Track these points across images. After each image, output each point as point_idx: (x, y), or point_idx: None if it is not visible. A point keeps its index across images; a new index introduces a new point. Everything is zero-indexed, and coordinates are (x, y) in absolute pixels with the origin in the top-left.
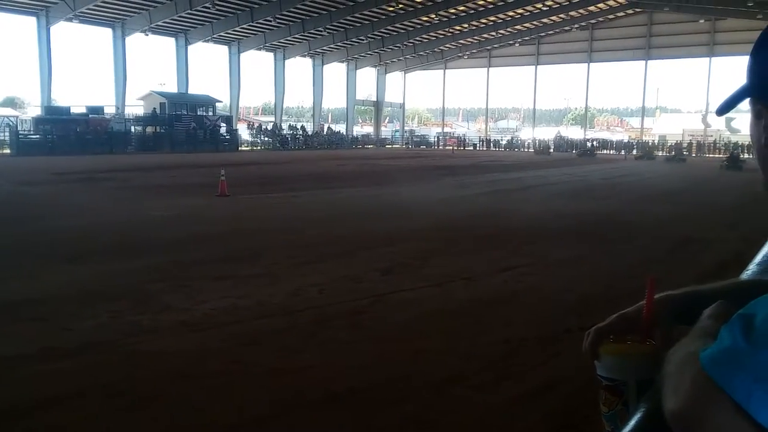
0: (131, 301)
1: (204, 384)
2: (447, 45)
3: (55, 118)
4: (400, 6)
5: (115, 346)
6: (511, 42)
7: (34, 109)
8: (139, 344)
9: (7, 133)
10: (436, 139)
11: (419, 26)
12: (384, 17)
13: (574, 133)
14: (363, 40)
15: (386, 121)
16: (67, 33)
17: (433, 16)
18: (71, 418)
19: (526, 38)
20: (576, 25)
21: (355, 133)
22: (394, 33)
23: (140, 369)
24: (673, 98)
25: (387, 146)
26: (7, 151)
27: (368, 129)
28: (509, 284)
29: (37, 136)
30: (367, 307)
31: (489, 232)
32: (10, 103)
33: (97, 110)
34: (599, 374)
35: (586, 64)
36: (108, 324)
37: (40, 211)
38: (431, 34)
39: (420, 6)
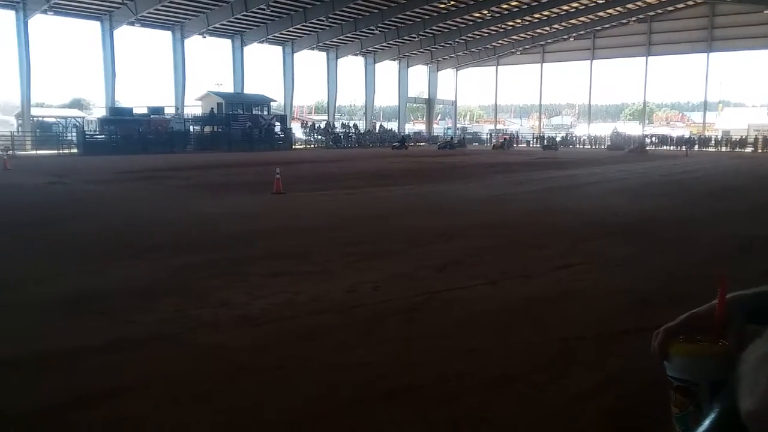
0: (192, 295)
1: (262, 378)
2: (499, 41)
3: (118, 119)
4: (452, 3)
5: (177, 339)
6: (565, 37)
7: (99, 111)
8: (201, 338)
9: (74, 134)
10: (488, 136)
11: (471, 23)
12: (435, 14)
13: (632, 128)
14: (414, 37)
15: (438, 118)
16: (129, 36)
17: (486, 12)
18: (137, 408)
19: (581, 32)
20: (634, 18)
21: (406, 131)
22: (446, 30)
23: (201, 362)
24: (737, 92)
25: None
26: (75, 150)
27: (420, 126)
28: (565, 282)
29: (102, 136)
30: (422, 304)
31: (544, 229)
32: (77, 104)
33: (158, 111)
34: (669, 375)
35: (645, 58)
36: (171, 318)
37: (104, 208)
38: (483, 30)
39: (472, 2)
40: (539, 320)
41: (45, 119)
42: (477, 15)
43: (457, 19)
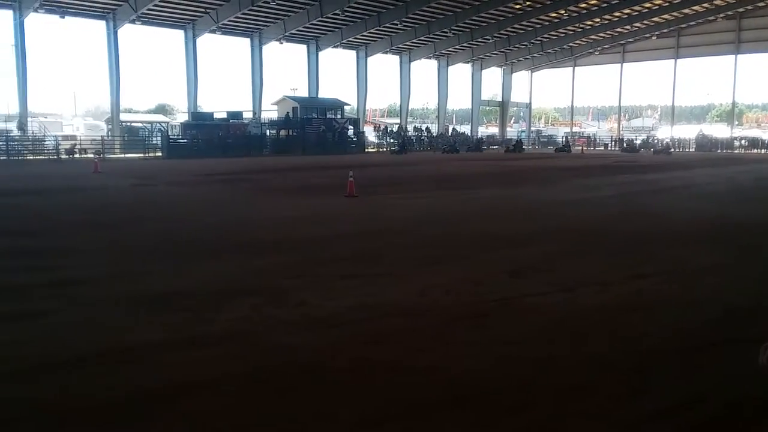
0: (268, 296)
1: (334, 378)
2: (577, 41)
3: (199, 124)
4: (528, 3)
5: (253, 337)
6: (647, 35)
7: (181, 115)
8: (276, 337)
9: (159, 138)
10: (564, 139)
11: (547, 23)
12: (510, 15)
13: (719, 131)
14: (489, 39)
15: (512, 121)
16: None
17: (563, 12)
18: (213, 403)
19: (665, 30)
20: (722, 14)
21: (479, 134)
22: (521, 31)
23: (276, 360)
24: None
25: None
26: (159, 153)
27: (493, 129)
28: (645, 292)
29: (185, 140)
30: (493, 310)
31: (623, 235)
32: (161, 110)
33: (237, 115)
34: None
35: (733, 56)
36: (248, 317)
37: (186, 210)
38: (560, 30)
39: (549, 2)
40: (616, 331)
41: (132, 124)
42: (554, 15)
43: (533, 20)
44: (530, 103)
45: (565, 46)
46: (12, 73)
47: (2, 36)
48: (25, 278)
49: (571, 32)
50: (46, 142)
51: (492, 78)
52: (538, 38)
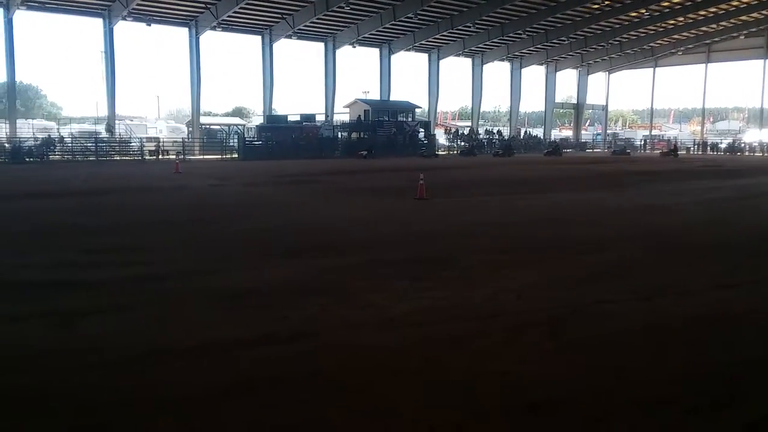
0: (338, 296)
1: (404, 381)
2: (658, 41)
3: (274, 126)
4: (606, 3)
5: (324, 336)
6: (734, 34)
7: (257, 118)
8: (345, 337)
9: (235, 140)
10: (642, 143)
11: (627, 23)
12: (588, 16)
13: None
14: (564, 41)
15: (587, 124)
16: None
17: (643, 11)
18: (284, 399)
19: (753, 29)
20: None
21: (553, 137)
22: (598, 32)
23: (346, 360)
24: None
25: (587, 150)
26: (236, 155)
27: (567, 132)
28: (729, 302)
29: (260, 142)
30: (567, 316)
31: (705, 242)
32: (238, 112)
33: (310, 118)
34: None
35: None
36: (319, 316)
37: (260, 210)
38: (640, 30)
39: (629, 1)
40: (697, 342)
41: (211, 127)
42: (633, 14)
43: (612, 20)
44: (607, 105)
45: (645, 47)
46: (101, 78)
47: (93, 43)
48: (111, 273)
49: (652, 32)
50: (132, 144)
51: (567, 80)
52: (617, 39)
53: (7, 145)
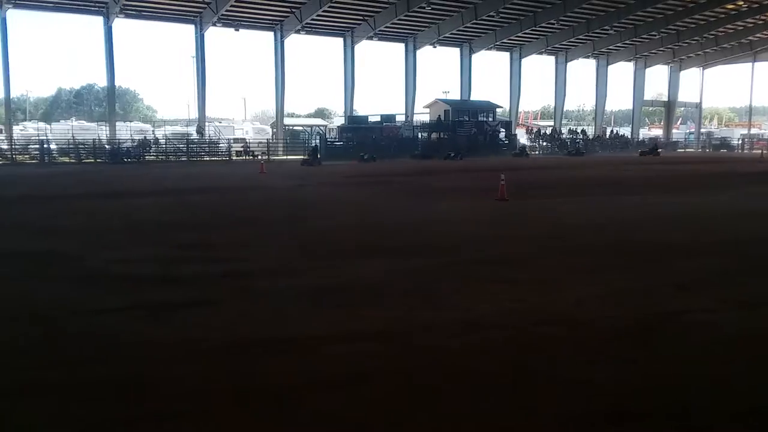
0: (419, 296)
1: (485, 384)
2: (757, 35)
3: (355, 127)
4: None
5: (405, 337)
6: None
7: (338, 119)
8: (427, 338)
9: (317, 140)
10: (740, 142)
11: (723, 16)
12: (680, 9)
13: None
14: (654, 35)
15: (678, 122)
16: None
17: (741, 2)
18: (362, 398)
19: None
20: None
21: (641, 136)
22: (692, 25)
23: (425, 360)
24: None
25: (679, 150)
26: (318, 156)
27: (657, 131)
28: None
29: (341, 142)
30: (659, 324)
31: None
32: (320, 113)
33: (390, 119)
34: None
35: None
36: (400, 316)
37: (341, 210)
38: (737, 23)
39: None
40: None
41: (294, 128)
42: (731, 7)
43: (706, 13)
44: (700, 102)
45: (743, 40)
46: (192, 82)
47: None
48: (201, 269)
49: (751, 25)
50: (220, 145)
51: (656, 76)
52: (712, 32)
53: (107, 146)
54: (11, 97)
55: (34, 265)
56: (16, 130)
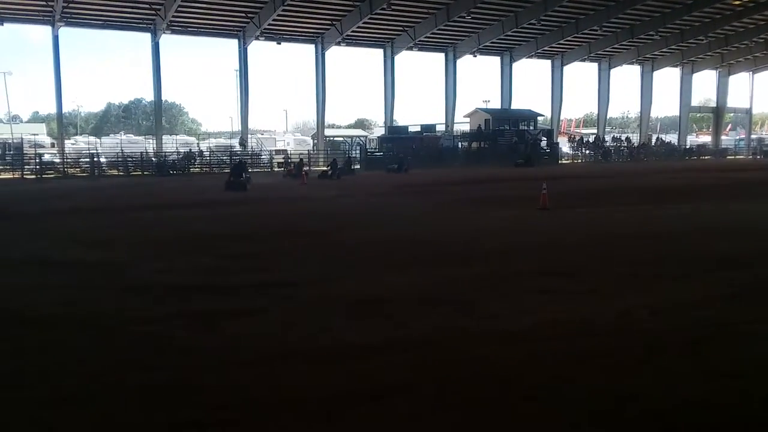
0: (460, 306)
1: (528, 395)
2: None
3: (395, 137)
4: None
5: (445, 346)
6: None
7: (378, 129)
8: (468, 347)
9: (358, 151)
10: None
11: None
12: (728, 13)
13: None
14: (702, 40)
15: (728, 128)
16: (406, 59)
17: None
18: (408, 407)
19: None
20: None
21: (688, 144)
22: (741, 29)
23: (466, 370)
24: None
25: (728, 157)
26: (358, 166)
27: (705, 138)
28: None
29: (381, 153)
30: (710, 337)
31: None
32: (360, 124)
33: (430, 128)
34: None
35: None
36: (440, 326)
37: (382, 220)
38: None
39: None
40: None
41: (334, 138)
42: None
43: (756, 16)
44: (750, 107)
45: None
46: (236, 95)
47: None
48: (245, 278)
49: None
50: (262, 156)
51: (704, 82)
52: (762, 36)
53: (154, 158)
54: (63, 112)
55: (85, 275)
56: (68, 144)
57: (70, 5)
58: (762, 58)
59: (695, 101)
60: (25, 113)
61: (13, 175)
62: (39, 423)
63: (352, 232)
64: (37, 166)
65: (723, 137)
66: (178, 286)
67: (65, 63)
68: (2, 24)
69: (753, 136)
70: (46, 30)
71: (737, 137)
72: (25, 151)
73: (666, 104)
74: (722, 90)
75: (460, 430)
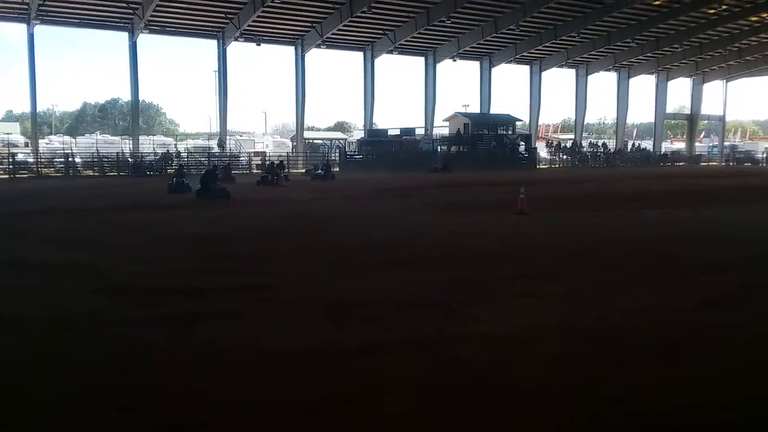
0: (440, 309)
1: (509, 399)
2: None
3: (374, 140)
4: (724, 7)
5: (426, 349)
6: None
7: (358, 132)
8: (447, 350)
9: (337, 154)
10: (765, 155)
11: (747, 28)
12: (703, 21)
13: None
14: (677, 48)
15: (701, 135)
16: (386, 63)
17: (765, 15)
18: (389, 409)
19: None
20: None
21: (663, 150)
22: (715, 38)
23: (447, 374)
24: None
25: (702, 163)
26: (336, 169)
27: (679, 145)
28: None
29: (360, 156)
30: (684, 340)
31: None
32: (340, 127)
33: (409, 132)
34: None
35: None
36: (420, 329)
37: (359, 223)
38: (762, 35)
39: (748, 5)
40: None
41: (314, 141)
42: (754, 19)
43: (730, 25)
44: (724, 115)
45: (767, 52)
46: (214, 96)
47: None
48: (224, 281)
49: None
50: (241, 158)
51: (679, 89)
52: (735, 45)
53: (130, 159)
54: (38, 111)
55: (59, 277)
56: (42, 143)
57: (46, 3)
58: (735, 67)
59: (670, 108)
60: None
61: None
62: (11, 428)
63: (331, 234)
64: (10, 166)
65: (697, 144)
66: (155, 288)
67: (40, 61)
68: None
69: (726, 143)
70: (21, 28)
71: (711, 144)
72: None
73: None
74: (696, 97)
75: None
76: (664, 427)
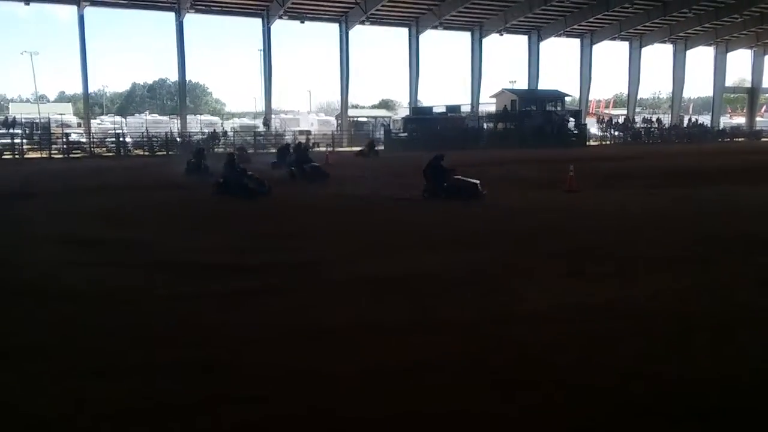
0: (487, 287)
1: (558, 377)
2: None
3: (419, 118)
4: None
5: (471, 326)
6: None
7: (403, 110)
8: (494, 328)
9: (382, 132)
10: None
11: None
12: None
13: None
14: (737, 18)
15: (763, 109)
16: (431, 39)
17: None
18: (436, 383)
19: None
20: None
21: (722, 125)
22: None
23: (493, 350)
24: None
25: (763, 139)
26: (381, 147)
27: (739, 120)
28: None
29: (405, 134)
30: (738, 320)
31: None
32: (384, 105)
33: (455, 109)
34: None
35: None
36: (465, 305)
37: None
38: None
39: None
40: None
41: (358, 119)
42: None
43: None
44: None
45: None
46: (259, 75)
47: (252, 42)
48: (270, 258)
49: None
50: (286, 137)
51: (739, 61)
52: None
53: (178, 138)
54: (89, 92)
55: (113, 252)
56: (94, 123)
57: None
58: None
59: (729, 81)
60: (52, 93)
61: (41, 154)
62: (69, 394)
63: (371, 214)
64: (65, 146)
65: (758, 119)
66: (205, 264)
67: (91, 43)
68: (28, 4)
69: None
70: (72, 10)
71: None
72: (52, 131)
73: (699, 84)
74: (757, 70)
75: (477, 409)
76: (718, 406)
